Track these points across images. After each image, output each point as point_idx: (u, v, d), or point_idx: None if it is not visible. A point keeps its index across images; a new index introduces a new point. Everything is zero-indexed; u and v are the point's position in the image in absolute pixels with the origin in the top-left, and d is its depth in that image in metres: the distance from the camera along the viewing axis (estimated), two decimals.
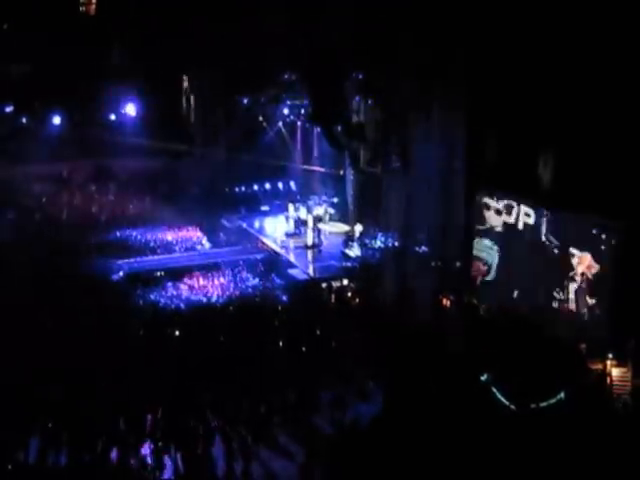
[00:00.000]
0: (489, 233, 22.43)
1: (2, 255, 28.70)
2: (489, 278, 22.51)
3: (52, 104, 34.54)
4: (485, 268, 22.58)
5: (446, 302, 22.94)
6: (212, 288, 26.46)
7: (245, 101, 32.21)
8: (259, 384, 19.98)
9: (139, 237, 31.66)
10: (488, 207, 22.32)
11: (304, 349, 21.89)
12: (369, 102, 25.60)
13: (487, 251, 22.54)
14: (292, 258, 28.77)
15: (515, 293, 21.37)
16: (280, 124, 33.22)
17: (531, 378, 18.54)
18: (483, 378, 19.43)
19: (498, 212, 21.98)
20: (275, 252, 29.64)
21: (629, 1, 17.78)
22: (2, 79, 33.91)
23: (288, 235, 30.98)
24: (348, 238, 29.08)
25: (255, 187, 36.13)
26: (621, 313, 18.55)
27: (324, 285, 26.28)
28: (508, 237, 21.86)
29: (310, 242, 29.92)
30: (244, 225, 33.05)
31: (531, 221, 21.02)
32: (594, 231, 19.12)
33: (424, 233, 24.40)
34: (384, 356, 21.10)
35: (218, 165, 36.76)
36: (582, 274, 19.78)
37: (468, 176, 22.97)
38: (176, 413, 18.44)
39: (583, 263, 19.73)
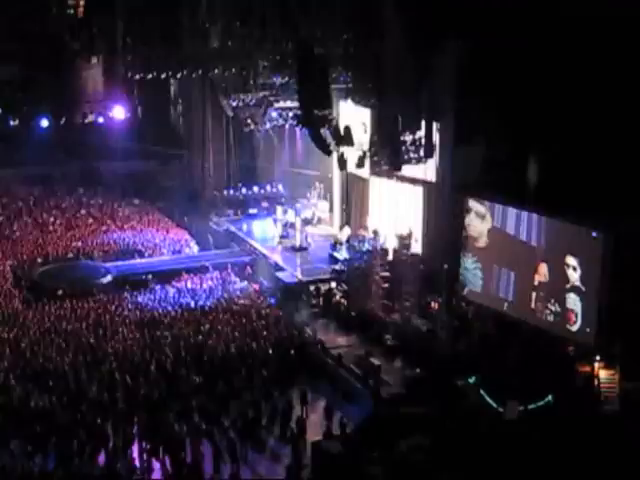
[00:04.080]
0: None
1: None
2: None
3: (40, 107, 34.38)
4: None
5: (434, 305, 22.96)
6: (200, 291, 26.41)
7: (234, 104, 32.16)
8: (246, 387, 19.98)
9: (127, 240, 31.55)
10: (469, 211, 21.90)
11: (292, 352, 21.92)
12: (357, 105, 25.62)
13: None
14: (280, 261, 28.75)
15: (505, 305, 21.23)
16: (268, 127, 33.17)
17: (519, 381, 18.57)
18: (472, 381, 19.46)
19: (481, 216, 21.64)
20: (263, 255, 29.59)
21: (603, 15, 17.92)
22: None
23: (281, 238, 30.98)
24: (336, 241, 29.06)
25: (243, 190, 36.08)
26: (607, 316, 18.59)
27: (312, 288, 26.27)
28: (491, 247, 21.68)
29: (298, 245, 29.92)
30: (232, 228, 33.00)
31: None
32: (584, 236, 19.08)
33: (412, 236, 24.45)
34: (373, 358, 21.15)
35: (206, 168, 36.73)
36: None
37: (456, 179, 23.01)
38: (164, 416, 18.38)
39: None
